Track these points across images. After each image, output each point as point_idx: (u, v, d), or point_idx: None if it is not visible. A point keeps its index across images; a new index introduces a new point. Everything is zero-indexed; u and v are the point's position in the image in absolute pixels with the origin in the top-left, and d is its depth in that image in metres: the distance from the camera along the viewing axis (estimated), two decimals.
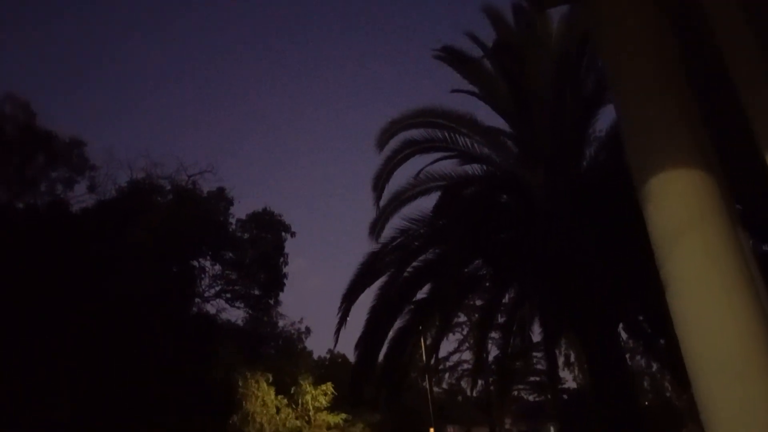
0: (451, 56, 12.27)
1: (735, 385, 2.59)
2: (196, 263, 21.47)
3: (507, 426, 46.81)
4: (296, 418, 28.42)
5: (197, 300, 21.64)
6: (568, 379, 38.64)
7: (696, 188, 2.85)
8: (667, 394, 35.65)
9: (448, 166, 12.32)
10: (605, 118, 10.84)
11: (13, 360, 15.27)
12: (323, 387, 29.45)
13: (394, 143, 12.51)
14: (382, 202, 12.59)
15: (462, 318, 34.89)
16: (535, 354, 29.03)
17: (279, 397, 28.03)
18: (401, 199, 12.33)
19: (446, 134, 12.11)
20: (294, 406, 28.82)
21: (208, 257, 22.12)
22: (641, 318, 12.96)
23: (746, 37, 3.10)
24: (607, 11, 3.33)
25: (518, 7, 11.64)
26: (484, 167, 11.86)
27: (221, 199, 21.88)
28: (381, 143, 12.63)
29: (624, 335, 14.51)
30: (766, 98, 2.92)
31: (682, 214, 2.81)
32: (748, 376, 2.58)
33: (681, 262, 2.76)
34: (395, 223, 12.01)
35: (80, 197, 19.30)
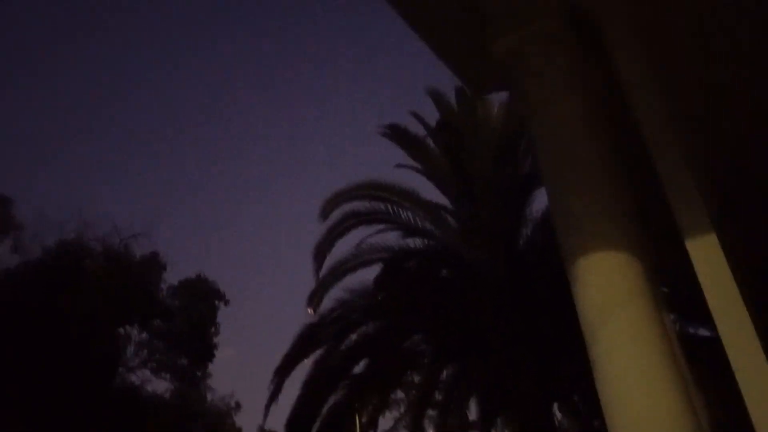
0: (397, 134, 12.66)
1: None
2: (122, 330, 20.45)
3: None
4: None
5: (121, 369, 20.45)
6: None
7: (623, 270, 2.95)
8: None
9: (391, 239, 12.45)
10: (542, 198, 11.29)
11: None
12: None
13: (337, 214, 12.58)
14: (322, 273, 12.49)
15: (400, 395, 34.20)
16: None
17: None
18: (342, 269, 12.25)
19: (389, 207, 12.29)
20: None
21: (135, 325, 21.15)
22: (576, 398, 13.06)
23: (668, 132, 3.33)
24: (536, 99, 3.51)
25: (461, 91, 12.22)
26: (426, 241, 12.01)
27: (154, 264, 21.19)
28: (324, 214, 12.66)
29: (558, 415, 14.55)
30: (686, 190, 3.10)
31: (609, 295, 2.89)
32: None
33: (607, 342, 2.82)
34: (335, 294, 11.89)
35: (2, 257, 18.29)
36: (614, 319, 2.79)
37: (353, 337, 11.49)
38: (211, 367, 24.15)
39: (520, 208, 11.07)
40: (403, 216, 12.05)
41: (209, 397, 25.53)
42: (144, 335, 21.77)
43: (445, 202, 12.48)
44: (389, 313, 10.82)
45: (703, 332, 9.17)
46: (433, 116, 12.83)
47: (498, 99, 12.09)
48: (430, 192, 12.72)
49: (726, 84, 4.16)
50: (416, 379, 19.68)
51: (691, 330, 9.58)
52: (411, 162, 12.81)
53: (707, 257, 2.94)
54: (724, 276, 2.87)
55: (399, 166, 12.98)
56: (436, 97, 12.67)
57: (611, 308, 2.82)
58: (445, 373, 13.51)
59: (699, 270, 2.93)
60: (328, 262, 12.38)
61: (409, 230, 12.02)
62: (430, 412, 18.88)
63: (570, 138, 3.35)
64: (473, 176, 11.29)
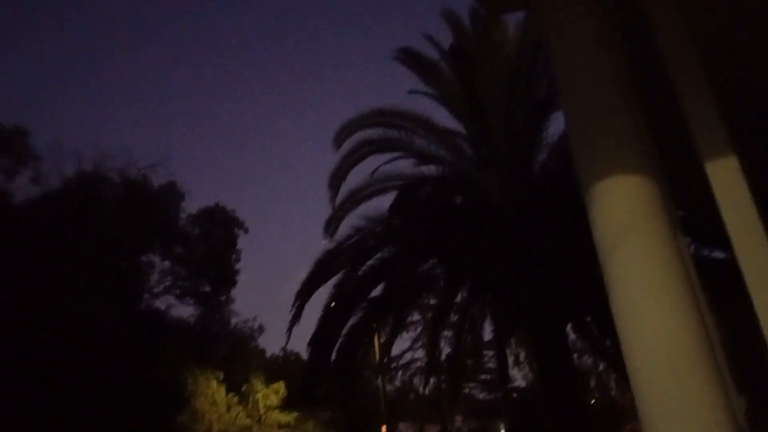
0: (410, 58, 12.36)
1: (672, 384, 2.69)
2: (144, 258, 20.97)
3: (458, 423, 47.42)
4: (247, 417, 28.11)
5: (146, 296, 21.14)
6: (518, 378, 39.39)
7: (639, 194, 2.94)
8: (612, 393, 36.77)
9: (405, 166, 12.43)
10: (558, 123, 11.12)
11: None
12: (275, 386, 29.22)
13: (351, 142, 12.54)
14: (338, 200, 12.60)
15: (416, 316, 35.16)
16: (486, 353, 29.49)
17: (229, 395, 27.68)
18: (357, 197, 12.35)
19: (403, 134, 12.20)
20: (245, 404, 28.51)
21: (158, 252, 21.64)
22: (589, 319, 13.34)
23: (688, 49, 3.23)
24: (554, 18, 3.40)
25: (475, 13, 11.80)
26: (440, 168, 11.98)
27: (172, 193, 21.42)
28: (338, 142, 12.62)
29: (572, 335, 14.92)
30: (706, 109, 3.05)
31: (624, 219, 2.90)
32: (685, 375, 2.69)
33: (622, 265, 2.85)
34: (351, 221, 12.04)
35: (23, 188, 18.56)
36: (629, 242, 2.82)
37: (370, 262, 11.70)
38: (234, 293, 24.86)
39: (535, 133, 10.91)
40: (416, 143, 11.98)
41: (232, 321, 26.43)
42: (166, 263, 22.31)
43: (459, 128, 12.33)
44: (404, 239, 10.95)
45: (718, 255, 9.22)
46: (447, 41, 12.50)
47: (513, 21, 11.70)
48: (443, 118, 12.56)
49: None
50: (432, 301, 20.20)
51: (706, 253, 9.62)
52: (424, 87, 12.58)
53: (727, 180, 2.92)
54: (744, 199, 2.86)
55: (412, 92, 12.77)
56: (450, 20, 12.26)
57: (626, 231, 2.84)
58: (459, 295, 13.82)
59: (718, 193, 2.92)
60: (344, 190, 12.47)
61: (422, 157, 11.97)
62: (446, 333, 19.51)
63: (587, 59, 3.27)
64: (488, 101, 11.08)
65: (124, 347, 17.39)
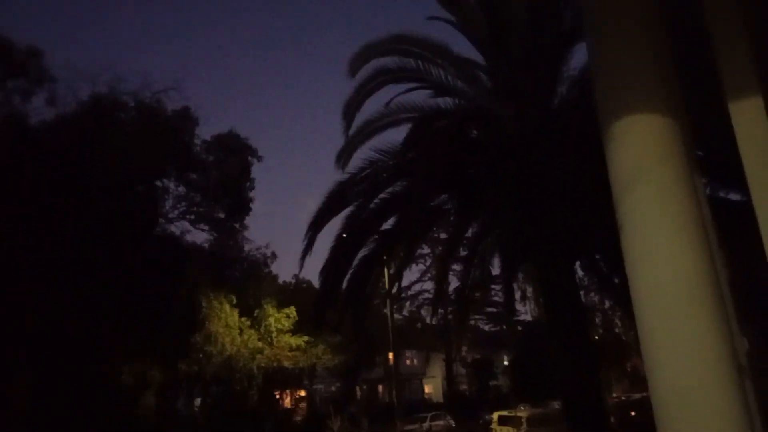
0: None
1: (676, 322, 2.73)
2: (159, 183, 21.14)
3: (463, 353, 48.82)
4: (258, 340, 29.12)
5: (161, 221, 21.45)
6: (523, 312, 40.16)
7: (659, 132, 2.89)
8: (617, 330, 37.49)
9: (420, 97, 12.20)
10: (580, 56, 10.78)
11: None
12: (286, 310, 30.08)
13: (366, 71, 12.24)
14: (351, 132, 12.48)
15: (425, 250, 35.58)
16: (493, 287, 29.97)
17: (242, 318, 28.58)
18: (371, 129, 12.20)
19: (420, 64, 11.88)
20: (257, 327, 29.46)
21: (172, 178, 21.77)
22: (598, 257, 13.41)
23: None
24: None
25: None
26: (457, 101, 11.76)
27: (186, 118, 21.29)
28: (353, 70, 12.34)
29: (580, 272, 15.06)
30: (736, 47, 2.93)
31: (641, 157, 2.87)
32: (690, 314, 2.72)
33: (636, 204, 2.84)
34: (364, 153, 11.96)
35: (38, 110, 18.54)
36: (644, 181, 2.80)
37: (382, 195, 11.72)
38: (247, 220, 25.12)
39: (556, 64, 10.61)
40: (434, 73, 11.69)
41: (246, 247, 26.87)
42: (181, 188, 22.48)
43: (477, 58, 12.01)
44: (418, 173, 10.90)
45: (734, 197, 9.13)
46: None
47: None
48: (462, 48, 12.21)
49: None
50: (442, 235, 20.37)
51: (722, 194, 9.53)
52: (444, 14, 12.17)
53: (750, 121, 2.85)
54: (765, 141, 2.80)
55: (431, 18, 12.36)
56: None
57: (642, 170, 2.81)
58: (470, 230, 13.90)
59: (739, 133, 2.86)
60: (357, 120, 12.32)
61: (439, 89, 11.72)
62: (455, 266, 19.76)
63: None
64: (509, 30, 10.74)
65: (142, 269, 17.83)
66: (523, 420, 23.52)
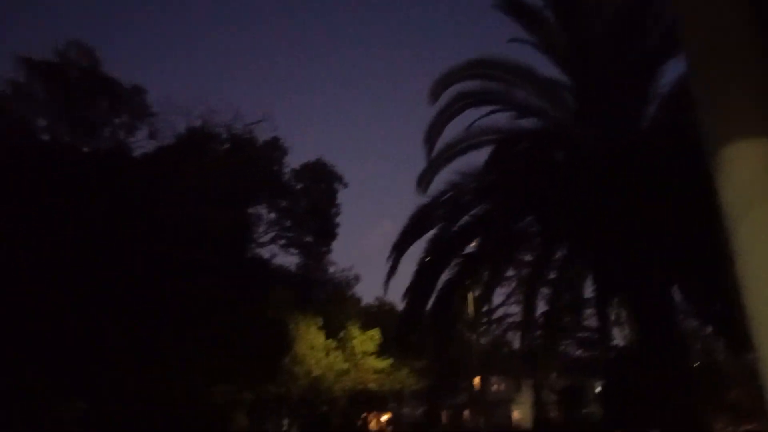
0: (511, 5, 11.89)
1: None
2: (252, 210, 22.08)
3: (552, 378, 47.08)
4: (344, 361, 29.44)
5: (252, 245, 22.34)
6: (617, 337, 38.24)
7: None
8: (717, 358, 34.95)
9: (502, 119, 12.12)
10: (669, 74, 10.36)
11: (78, 290, 16.15)
12: (370, 333, 30.27)
13: (448, 95, 12.36)
14: (433, 155, 12.56)
15: (510, 272, 34.81)
16: (584, 310, 28.82)
17: (328, 340, 29.04)
18: (452, 152, 12.25)
19: (502, 86, 11.87)
20: (342, 349, 29.82)
21: (264, 205, 22.70)
22: (697, 281, 12.66)
23: None
24: None
25: None
26: (539, 122, 11.60)
27: (276, 148, 22.21)
28: (435, 95, 12.47)
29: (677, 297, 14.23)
30: None
31: (754, 186, 2.68)
32: None
33: (750, 234, 2.68)
34: (445, 176, 12.01)
35: (140, 142, 19.94)
36: (758, 211, 2.63)
37: (465, 218, 11.69)
38: (333, 244, 25.68)
39: (645, 83, 10.26)
40: (516, 96, 11.63)
41: (331, 269, 27.44)
42: (272, 215, 23.39)
43: (561, 78, 11.81)
44: (500, 195, 10.81)
45: None
46: None
47: None
48: (545, 68, 12.04)
49: None
50: (528, 258, 19.89)
51: None
52: (526, 36, 12.09)
53: None
54: None
55: (513, 40, 12.31)
56: None
57: (758, 199, 2.64)
58: (559, 253, 13.52)
59: None
60: (439, 144, 12.40)
61: (522, 110, 11.63)
62: (543, 289, 19.20)
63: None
64: (593, 49, 10.51)
65: (233, 292, 18.58)
66: None
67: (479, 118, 11.95)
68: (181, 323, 17.34)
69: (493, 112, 12.01)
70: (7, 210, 14.99)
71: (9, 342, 14.78)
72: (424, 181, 12.63)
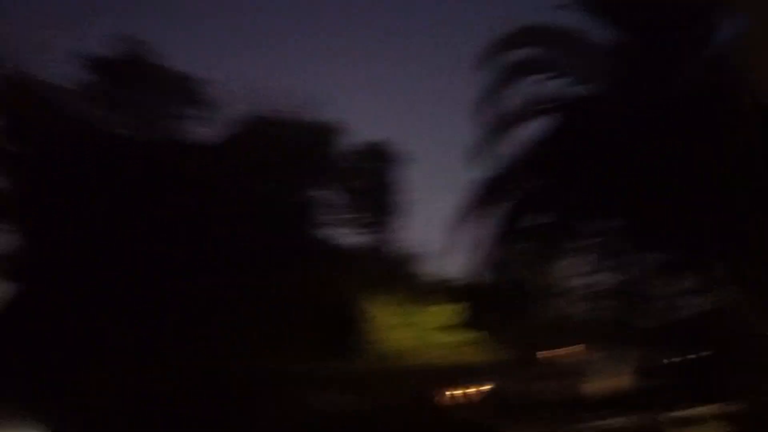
0: None
1: None
2: (316, 193, 22.53)
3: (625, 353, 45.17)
4: (418, 337, 29.60)
5: (319, 228, 22.82)
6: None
7: None
8: None
9: (556, 87, 11.80)
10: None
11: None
12: (443, 307, 30.21)
13: (498, 64, 12.13)
14: (486, 126, 12.37)
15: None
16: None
17: (398, 315, 29.23)
18: (506, 122, 12.05)
19: (554, 53, 11.52)
20: (414, 326, 29.97)
21: (329, 188, 23.09)
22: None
23: None
24: None
25: None
26: (594, 88, 11.19)
27: (339, 130, 22.47)
28: (485, 63, 12.23)
29: None
30: None
31: None
32: None
33: None
34: (501, 148, 11.89)
35: (201, 131, 20.62)
36: None
37: (526, 188, 11.59)
38: (398, 222, 25.78)
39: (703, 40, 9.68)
40: (569, 62, 11.25)
41: (398, 247, 27.52)
42: (336, 196, 23.70)
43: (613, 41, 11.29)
44: (556, 168, 10.56)
45: None
46: None
47: None
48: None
49: None
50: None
51: None
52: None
53: None
54: None
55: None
56: None
57: None
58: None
59: None
60: (490, 115, 12.20)
61: (576, 77, 11.25)
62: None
63: None
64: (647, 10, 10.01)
65: (300, 271, 19.01)
66: None
67: (531, 87, 11.65)
68: (254, 311, 17.89)
69: (546, 79, 11.69)
70: (90, 208, 15.94)
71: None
72: (478, 153, 12.48)
